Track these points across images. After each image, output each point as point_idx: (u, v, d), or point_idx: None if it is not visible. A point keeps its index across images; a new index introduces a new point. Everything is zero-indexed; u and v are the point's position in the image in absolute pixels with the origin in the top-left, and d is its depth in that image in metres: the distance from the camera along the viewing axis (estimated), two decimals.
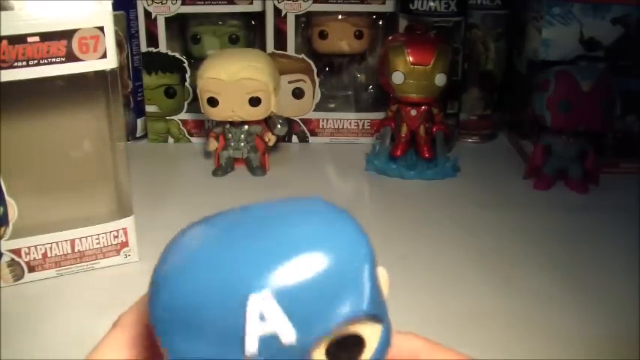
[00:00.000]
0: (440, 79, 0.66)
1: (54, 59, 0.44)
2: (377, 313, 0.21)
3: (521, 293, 0.50)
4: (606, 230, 0.59)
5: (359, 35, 0.77)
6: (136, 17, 0.74)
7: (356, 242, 0.21)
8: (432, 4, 0.72)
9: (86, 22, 0.44)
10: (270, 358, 0.19)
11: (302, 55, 0.77)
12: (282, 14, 0.75)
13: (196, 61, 0.73)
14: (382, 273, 0.22)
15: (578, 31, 0.69)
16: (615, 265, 0.53)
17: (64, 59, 0.44)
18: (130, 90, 0.77)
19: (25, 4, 0.42)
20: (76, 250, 0.50)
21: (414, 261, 0.54)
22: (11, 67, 0.42)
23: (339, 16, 0.77)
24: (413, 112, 0.68)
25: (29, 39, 0.42)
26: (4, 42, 0.41)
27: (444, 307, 0.48)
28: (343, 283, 0.20)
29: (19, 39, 0.42)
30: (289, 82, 0.77)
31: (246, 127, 0.69)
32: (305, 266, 0.19)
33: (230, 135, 0.69)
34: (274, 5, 0.74)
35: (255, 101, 0.66)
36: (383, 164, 0.70)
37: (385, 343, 0.21)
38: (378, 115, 0.76)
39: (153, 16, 0.74)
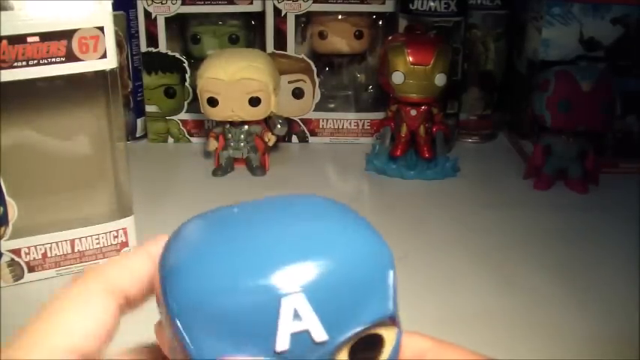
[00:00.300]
0: (440, 79, 0.66)
1: (54, 59, 0.44)
2: (396, 316, 0.22)
3: (521, 293, 0.50)
4: (606, 230, 0.59)
5: (359, 35, 0.77)
6: (136, 17, 0.74)
7: (381, 247, 0.22)
8: (432, 4, 0.72)
9: (86, 22, 0.44)
10: (299, 357, 0.19)
11: (302, 55, 0.77)
12: (282, 14, 0.75)
13: (196, 61, 0.73)
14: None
15: (578, 31, 0.69)
16: (615, 265, 0.53)
17: (63, 59, 0.44)
18: (129, 90, 0.77)
19: (25, 4, 0.42)
20: (75, 250, 0.50)
21: (414, 261, 0.54)
22: (11, 67, 0.42)
23: (339, 16, 0.77)
24: (413, 112, 0.68)
25: (29, 39, 0.42)
26: (4, 42, 0.41)
27: (444, 307, 0.48)
28: (371, 287, 0.21)
29: (19, 39, 0.42)
30: (289, 82, 0.77)
31: (246, 127, 0.69)
32: (336, 269, 0.20)
33: (230, 135, 0.69)
34: (274, 5, 0.74)
35: (255, 101, 0.66)
36: (383, 164, 0.70)
37: (399, 344, 0.22)
38: (378, 115, 0.76)
39: (153, 16, 0.74)
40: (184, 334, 0.19)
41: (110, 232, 0.51)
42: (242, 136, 0.69)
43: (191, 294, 0.19)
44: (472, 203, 0.64)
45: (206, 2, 0.74)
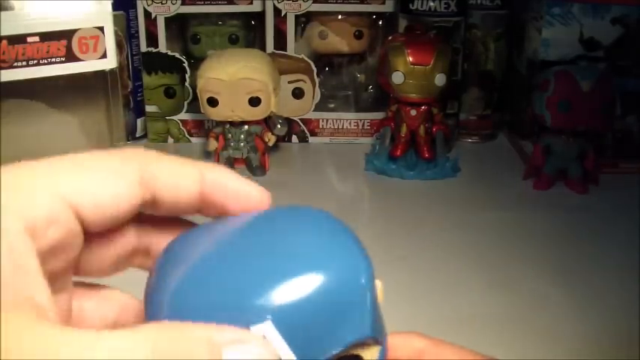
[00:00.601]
0: (440, 79, 0.66)
1: (54, 59, 0.44)
2: (377, 335, 0.21)
3: (521, 293, 0.50)
4: (606, 230, 0.59)
5: (359, 35, 0.77)
6: (136, 17, 0.74)
7: (358, 266, 0.21)
8: (431, 4, 0.72)
9: (86, 22, 0.44)
10: None
11: (302, 55, 0.77)
12: (282, 14, 0.75)
13: (196, 61, 0.73)
14: (378, 285, 0.21)
15: (578, 31, 0.69)
16: (615, 265, 0.53)
17: (63, 59, 0.44)
18: (129, 90, 0.77)
19: (25, 4, 0.42)
20: None
21: (414, 261, 0.54)
22: (11, 67, 0.42)
23: (339, 16, 0.77)
24: (413, 112, 0.68)
25: (29, 39, 0.42)
26: (4, 42, 0.41)
27: (443, 307, 0.48)
28: (347, 308, 0.20)
29: (19, 39, 0.42)
30: (289, 82, 0.77)
31: (246, 127, 0.69)
32: (309, 292, 0.19)
33: (230, 135, 0.69)
34: (274, 5, 0.74)
35: (255, 101, 0.66)
36: (383, 164, 0.70)
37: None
38: (378, 115, 0.76)
39: (153, 16, 0.74)
40: None
41: None
42: (242, 136, 0.69)
43: (166, 312, 0.19)
44: (472, 203, 0.64)
45: (206, 2, 0.74)
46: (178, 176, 0.21)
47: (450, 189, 0.68)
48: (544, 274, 0.52)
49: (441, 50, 0.67)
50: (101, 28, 0.45)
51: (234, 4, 0.75)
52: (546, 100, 0.65)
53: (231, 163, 0.70)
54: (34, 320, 0.16)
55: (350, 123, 0.78)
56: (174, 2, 0.73)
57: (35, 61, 0.43)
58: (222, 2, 0.74)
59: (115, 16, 0.46)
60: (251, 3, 0.75)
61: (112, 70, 0.47)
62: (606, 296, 0.49)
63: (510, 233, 0.58)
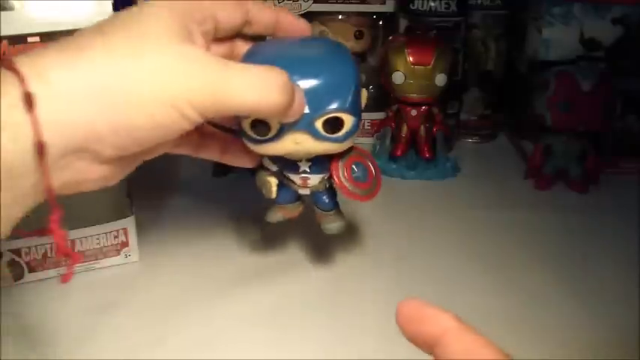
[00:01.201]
0: (440, 79, 0.66)
1: None
2: (353, 111, 0.39)
3: (521, 292, 0.50)
4: (606, 230, 0.59)
5: (359, 35, 0.77)
6: None
7: (351, 68, 0.40)
8: (432, 4, 0.72)
9: (86, 22, 0.44)
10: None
11: None
12: None
13: None
14: (363, 93, 0.42)
15: (578, 31, 0.69)
16: (615, 265, 0.53)
17: None
18: None
19: (25, 4, 0.42)
20: (76, 250, 0.50)
21: (414, 261, 0.54)
22: None
23: (339, 16, 0.77)
24: (413, 112, 0.68)
25: (29, 39, 0.42)
26: (4, 42, 0.41)
27: (443, 307, 0.48)
28: (338, 89, 0.39)
29: (19, 39, 0.42)
30: None
31: None
32: (322, 77, 0.38)
33: None
34: (274, 5, 0.74)
35: None
36: (383, 164, 0.70)
37: (355, 127, 0.40)
38: (378, 115, 0.76)
39: None
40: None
41: (110, 232, 0.51)
42: None
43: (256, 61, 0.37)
44: (472, 203, 0.64)
45: None
46: (268, 15, 0.40)
47: (450, 189, 0.68)
48: (544, 273, 0.52)
49: (442, 50, 0.67)
50: None
51: None
52: (546, 100, 0.65)
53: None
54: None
55: None
56: None
57: None
58: None
59: None
60: None
61: None
62: (606, 296, 0.49)
63: (510, 233, 0.58)
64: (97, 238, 0.51)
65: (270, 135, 0.39)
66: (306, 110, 0.37)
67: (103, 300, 0.48)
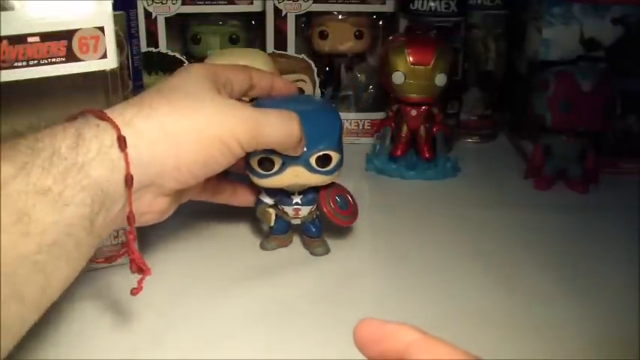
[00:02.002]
0: (440, 79, 0.66)
1: (54, 59, 0.43)
2: (339, 149, 0.50)
3: (521, 293, 0.50)
4: (606, 230, 0.59)
5: (359, 35, 0.77)
6: (136, 17, 0.74)
7: (336, 117, 0.51)
8: (432, 4, 0.72)
9: (86, 23, 0.44)
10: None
11: (302, 55, 0.77)
12: (282, 14, 0.75)
13: (196, 61, 0.73)
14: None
15: (578, 31, 0.69)
16: (615, 265, 0.53)
17: (64, 59, 0.44)
18: (130, 90, 0.77)
19: (25, 4, 0.42)
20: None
21: (414, 261, 0.54)
22: (11, 67, 0.42)
23: (339, 16, 0.77)
24: (413, 112, 0.68)
25: (29, 39, 0.42)
26: (4, 42, 0.41)
27: (443, 307, 0.48)
28: (327, 133, 0.49)
29: (19, 39, 0.42)
30: None
31: None
32: (316, 123, 0.49)
33: None
34: (274, 5, 0.74)
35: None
36: (383, 164, 0.70)
37: (339, 162, 0.50)
38: (378, 115, 0.76)
39: (153, 16, 0.74)
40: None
41: (110, 232, 0.51)
42: None
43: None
44: (472, 203, 0.64)
45: (206, 2, 0.74)
46: (266, 80, 0.51)
47: (450, 189, 0.68)
48: (544, 273, 0.52)
49: (442, 50, 0.67)
50: (101, 28, 0.44)
51: (234, 4, 0.75)
52: (546, 100, 0.65)
53: None
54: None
55: (350, 123, 0.78)
56: (174, 2, 0.73)
57: (35, 62, 0.43)
58: (222, 2, 0.74)
59: (115, 16, 0.46)
60: (251, 3, 0.75)
61: (112, 71, 0.46)
62: (606, 296, 0.49)
63: (510, 233, 0.58)
64: None
65: (274, 170, 0.49)
66: (304, 149, 0.48)
67: (103, 300, 0.48)
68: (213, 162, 0.42)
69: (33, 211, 0.32)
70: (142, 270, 0.41)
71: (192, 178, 0.42)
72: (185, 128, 0.40)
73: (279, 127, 0.44)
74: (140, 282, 0.41)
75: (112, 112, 0.39)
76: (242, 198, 0.54)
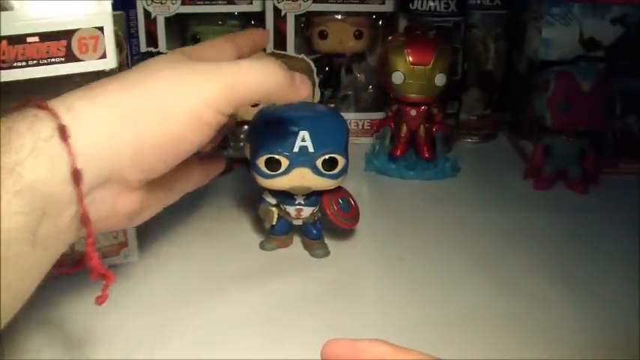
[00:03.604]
0: (440, 79, 0.66)
1: (53, 59, 0.43)
2: (345, 154, 0.50)
3: (520, 293, 0.50)
4: (606, 230, 0.59)
5: (359, 35, 0.77)
6: (136, 17, 0.74)
7: (343, 122, 0.52)
8: (431, 3, 0.72)
9: (86, 23, 0.44)
10: (302, 156, 0.49)
11: (302, 55, 0.77)
12: (282, 14, 0.75)
13: None
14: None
15: (578, 31, 0.69)
16: (615, 266, 0.53)
17: (63, 59, 0.44)
18: None
19: (24, 4, 0.42)
20: (75, 250, 0.50)
21: (414, 261, 0.54)
22: (11, 67, 0.42)
23: (339, 16, 0.77)
24: (413, 112, 0.68)
25: (29, 39, 0.42)
26: (4, 42, 0.41)
27: (443, 308, 0.48)
28: (335, 137, 0.50)
29: (18, 39, 0.42)
30: None
31: (246, 127, 0.69)
32: (324, 127, 0.50)
33: (230, 135, 0.69)
34: (274, 5, 0.74)
35: None
36: (383, 164, 0.70)
37: (345, 167, 0.51)
38: (378, 115, 0.76)
39: (152, 16, 0.74)
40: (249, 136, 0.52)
41: (109, 232, 0.51)
42: (242, 136, 0.69)
43: (257, 127, 0.51)
44: (472, 203, 0.64)
45: (206, 2, 0.74)
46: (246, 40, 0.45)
47: (450, 189, 0.68)
48: (544, 274, 0.52)
49: (441, 50, 0.67)
50: (101, 29, 0.44)
51: (234, 4, 0.75)
52: (546, 100, 0.65)
53: (231, 162, 0.70)
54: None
55: (350, 123, 0.78)
56: (174, 2, 0.73)
57: (35, 62, 0.43)
58: (222, 2, 0.74)
59: (114, 16, 0.46)
60: (251, 3, 0.75)
61: (112, 71, 0.46)
62: (606, 296, 0.49)
63: (510, 233, 0.58)
64: (97, 238, 0.51)
65: (280, 170, 0.49)
66: (311, 150, 0.49)
67: None
68: (182, 140, 0.34)
69: None
70: (104, 276, 0.35)
71: (159, 162, 0.34)
72: (142, 103, 0.33)
73: (257, 69, 0.36)
74: (104, 289, 0.37)
75: (53, 100, 0.32)
76: (214, 168, 0.47)
